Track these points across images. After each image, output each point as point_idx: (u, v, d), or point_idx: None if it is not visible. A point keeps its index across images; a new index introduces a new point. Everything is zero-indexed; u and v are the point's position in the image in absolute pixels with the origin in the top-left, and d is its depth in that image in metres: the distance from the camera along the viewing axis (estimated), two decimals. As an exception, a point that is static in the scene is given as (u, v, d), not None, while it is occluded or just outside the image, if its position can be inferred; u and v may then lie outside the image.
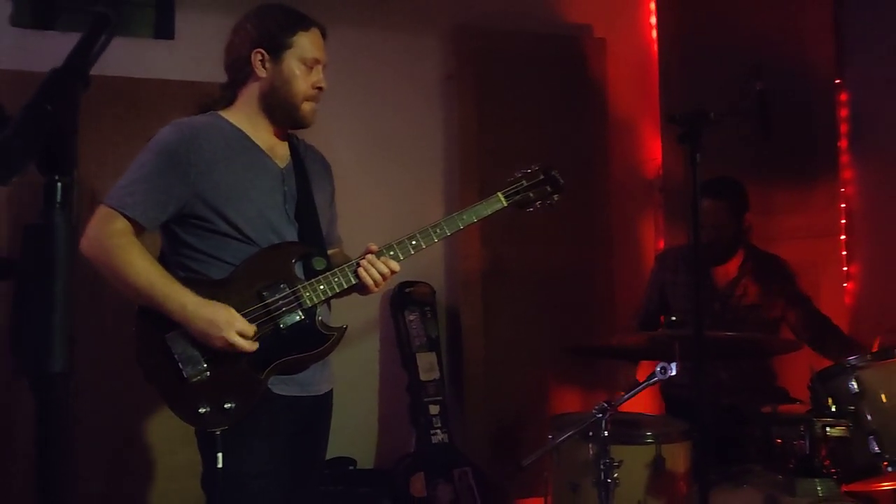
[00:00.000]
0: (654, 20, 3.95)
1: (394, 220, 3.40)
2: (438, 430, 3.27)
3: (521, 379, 3.54)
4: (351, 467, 3.25)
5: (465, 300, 3.59)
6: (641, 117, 3.97)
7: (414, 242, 2.04)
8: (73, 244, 0.80)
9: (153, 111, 3.16)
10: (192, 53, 3.29)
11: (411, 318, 3.41)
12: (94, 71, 3.24)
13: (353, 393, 3.27)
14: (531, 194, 2.17)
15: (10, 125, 0.78)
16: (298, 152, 2.11)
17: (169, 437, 3.04)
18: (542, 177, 2.18)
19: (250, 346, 1.81)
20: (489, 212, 2.12)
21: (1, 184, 0.76)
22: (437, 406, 3.31)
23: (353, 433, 3.36)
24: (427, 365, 3.37)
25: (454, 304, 3.63)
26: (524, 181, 2.17)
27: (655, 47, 3.94)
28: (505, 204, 2.13)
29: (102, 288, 3.04)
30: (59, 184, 0.79)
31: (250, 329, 1.82)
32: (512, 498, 3.38)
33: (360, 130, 3.50)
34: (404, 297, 3.40)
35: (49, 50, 3.25)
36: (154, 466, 3.05)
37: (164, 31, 3.54)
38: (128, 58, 3.31)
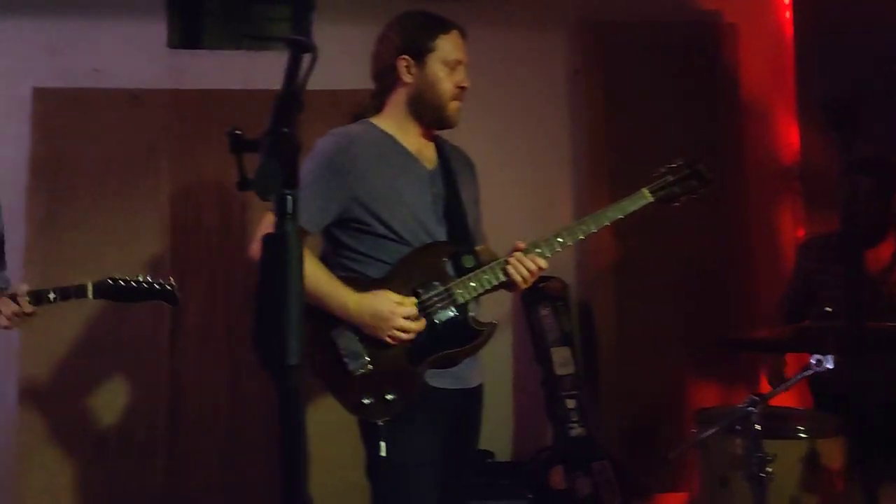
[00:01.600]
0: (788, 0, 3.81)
1: (522, 217, 3.46)
2: (576, 424, 3.29)
3: (658, 373, 3.51)
4: (489, 460, 3.33)
5: (597, 294, 3.60)
6: (776, 103, 3.84)
7: (560, 239, 2.09)
8: (301, 250, 0.89)
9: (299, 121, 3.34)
10: (329, 63, 3.44)
11: (544, 312, 3.45)
12: (240, 86, 3.46)
13: (488, 387, 3.32)
14: (676, 189, 2.17)
15: (263, 149, 0.88)
16: (445, 153, 2.19)
17: (323, 430, 3.19)
18: (687, 171, 2.18)
19: (420, 324, 1.91)
20: (635, 207, 2.14)
21: (263, 199, 0.86)
22: (574, 400, 3.33)
23: (490, 427, 3.39)
24: (562, 359, 3.40)
25: (587, 298, 3.64)
26: (669, 176, 2.17)
27: (790, 29, 3.79)
28: (651, 199, 2.14)
29: (248, 289, 3.27)
30: (289, 197, 0.88)
31: (413, 308, 1.92)
32: (652, 492, 3.36)
33: (487, 128, 3.56)
34: (537, 292, 3.43)
35: (199, 68, 3.52)
36: (313, 461, 3.21)
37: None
38: (270, 72, 3.51)
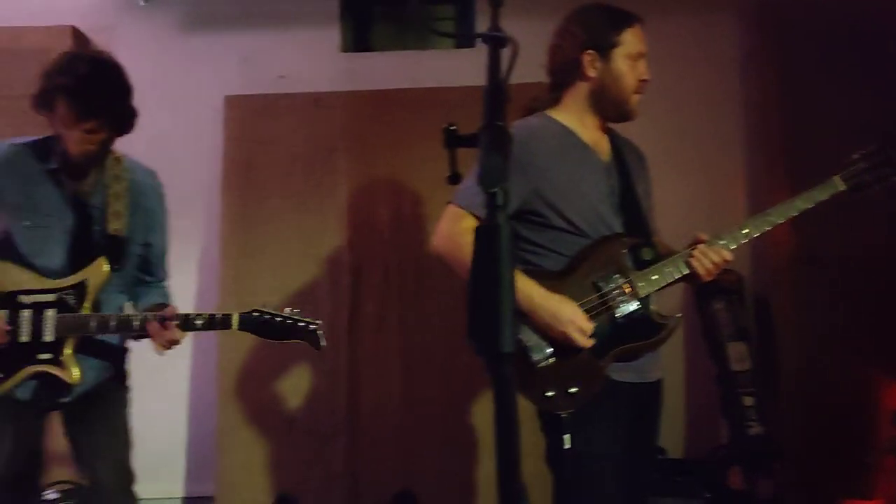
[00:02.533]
0: None
1: (692, 209, 3.36)
2: (754, 423, 3.16)
3: (844, 370, 3.28)
4: (661, 456, 3.26)
5: (775, 288, 3.42)
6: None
7: (746, 231, 2.02)
8: (512, 241, 0.92)
9: (463, 116, 3.42)
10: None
11: (719, 306, 3.33)
12: (409, 85, 3.59)
13: (658, 382, 3.29)
14: (869, 176, 2.04)
15: (483, 144, 0.93)
16: (618, 145, 2.18)
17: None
18: (882, 157, 2.04)
19: (587, 342, 1.91)
20: (825, 196, 2.04)
21: (489, 192, 0.90)
22: (752, 398, 3.20)
23: (662, 423, 3.36)
24: (738, 355, 3.27)
25: (764, 291, 3.48)
26: (862, 162, 2.05)
27: None
28: (843, 188, 2.03)
29: (427, 279, 3.39)
30: (500, 190, 0.92)
31: (589, 327, 1.92)
32: (839, 497, 3.16)
33: (655, 117, 3.46)
34: (711, 285, 3.28)
35: (371, 69, 3.68)
36: (483, 447, 3.30)
37: (466, 41, 3.81)
38: (435, 69, 3.62)
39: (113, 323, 2.18)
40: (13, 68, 3.57)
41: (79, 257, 2.23)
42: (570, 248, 2.02)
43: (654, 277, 1.99)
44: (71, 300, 2.21)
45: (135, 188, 2.31)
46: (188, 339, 3.58)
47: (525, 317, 1.96)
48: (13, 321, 2.19)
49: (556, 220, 2.02)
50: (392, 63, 3.69)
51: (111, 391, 2.37)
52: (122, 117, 2.22)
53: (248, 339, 3.30)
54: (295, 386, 3.33)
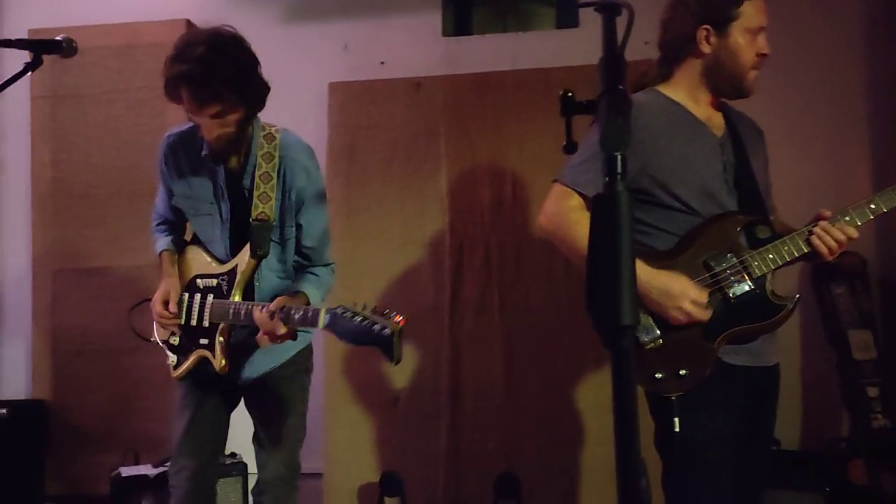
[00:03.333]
0: None
1: (813, 185, 3.18)
2: (879, 415, 2.98)
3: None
4: (775, 447, 3.11)
5: (903, 271, 3.21)
6: None
7: (873, 206, 1.89)
8: (633, 209, 0.89)
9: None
10: (596, 37, 3.42)
11: (839, 291, 3.15)
12: (509, 67, 3.55)
13: (772, 370, 3.14)
14: None
15: (605, 108, 0.90)
16: (732, 120, 2.08)
17: (597, 403, 3.23)
18: None
19: (704, 314, 1.84)
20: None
21: (611, 156, 0.88)
22: (876, 388, 3.01)
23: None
24: (861, 343, 3.08)
25: (890, 275, 3.26)
26: None
27: None
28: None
29: (528, 262, 3.36)
30: (619, 157, 0.89)
31: (703, 297, 1.85)
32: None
33: (773, 89, 3.30)
34: (830, 268, 3.14)
35: (471, 53, 3.67)
36: (583, 430, 3.25)
37: (568, 21, 3.73)
38: (536, 50, 3.58)
39: (242, 312, 2.14)
40: (131, 62, 3.77)
41: (236, 243, 2.24)
42: (680, 227, 1.95)
43: (770, 256, 1.89)
44: (224, 287, 2.23)
45: (286, 167, 2.22)
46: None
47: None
48: (189, 304, 2.28)
49: (666, 199, 1.95)
50: (493, 45, 3.67)
51: (288, 378, 2.34)
52: (249, 94, 2.13)
53: (353, 321, 3.40)
54: (399, 367, 3.36)
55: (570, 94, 1.04)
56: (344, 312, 1.93)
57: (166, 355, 2.37)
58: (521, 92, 3.45)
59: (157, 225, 2.52)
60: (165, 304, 2.29)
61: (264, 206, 2.19)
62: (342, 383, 3.39)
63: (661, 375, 1.86)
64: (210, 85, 2.03)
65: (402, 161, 3.50)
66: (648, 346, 1.89)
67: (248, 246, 2.19)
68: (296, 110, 3.74)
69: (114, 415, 3.63)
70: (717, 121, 2.05)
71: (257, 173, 2.20)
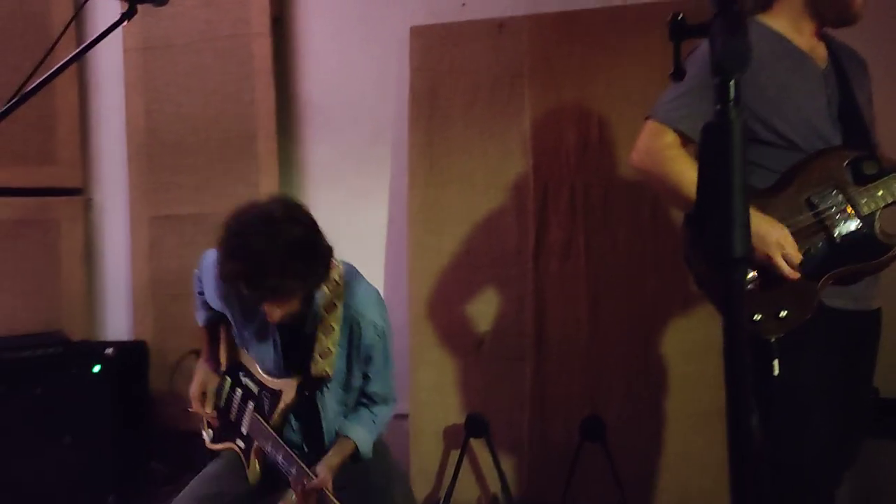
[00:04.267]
0: None
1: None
2: None
3: None
4: (873, 395, 3.00)
5: None
6: None
7: None
8: (746, 138, 0.85)
9: (656, 36, 3.24)
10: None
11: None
12: (597, 5, 3.41)
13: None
14: None
15: (721, 28, 0.86)
16: (835, 51, 1.97)
17: (684, 348, 3.18)
18: None
19: (792, 273, 1.77)
20: None
21: (728, 77, 0.84)
22: None
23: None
24: (971, 286, 2.91)
25: None
26: None
27: None
28: None
29: (614, 205, 3.29)
30: (732, 82, 0.85)
31: (797, 256, 1.78)
32: None
33: (880, 17, 3.09)
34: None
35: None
36: (668, 375, 3.22)
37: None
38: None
39: (279, 457, 2.06)
40: (218, 12, 3.82)
41: (289, 365, 2.14)
42: (780, 164, 1.87)
43: (879, 193, 1.81)
44: (266, 404, 2.15)
45: (354, 322, 2.11)
46: (379, 265, 3.81)
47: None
48: (230, 395, 2.26)
49: (765, 134, 1.87)
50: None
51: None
52: (311, 275, 1.99)
53: (437, 265, 3.43)
54: (483, 310, 3.39)
55: (681, 17, 1.00)
56: None
57: (202, 428, 2.34)
58: (608, 30, 3.34)
59: (199, 294, 2.40)
60: (202, 397, 2.27)
61: (324, 361, 2.07)
62: (427, 326, 3.44)
63: (759, 317, 1.81)
64: (267, 282, 1.90)
65: (484, 104, 3.45)
66: (746, 288, 1.84)
67: (296, 382, 2.10)
68: (378, 56, 3.76)
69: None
70: (820, 52, 1.95)
71: (320, 324, 2.08)
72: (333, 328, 2.06)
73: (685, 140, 1.92)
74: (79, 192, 4.08)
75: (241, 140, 3.86)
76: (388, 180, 3.79)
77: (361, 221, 3.82)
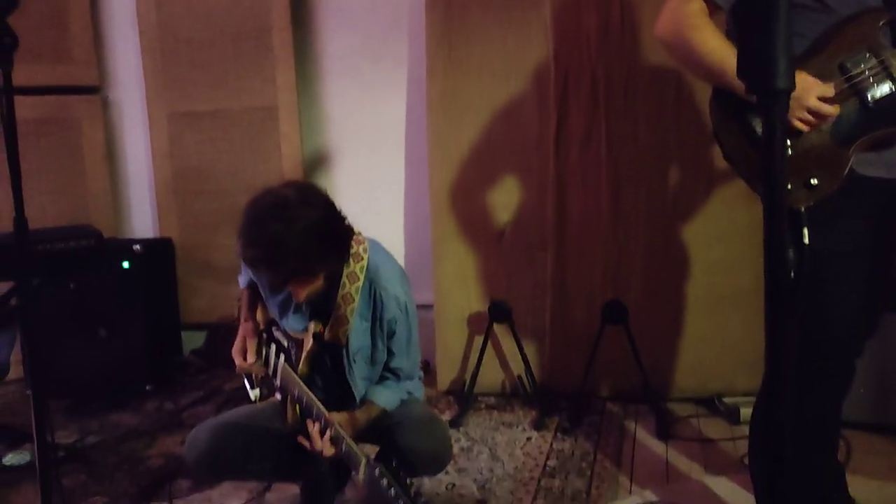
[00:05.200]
0: None
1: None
2: None
3: None
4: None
5: None
6: None
7: None
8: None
9: None
10: None
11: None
12: None
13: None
14: None
15: None
16: None
17: (706, 233, 3.19)
18: None
19: (832, 109, 1.74)
20: None
21: None
22: None
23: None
24: None
25: None
26: None
27: None
28: None
29: (635, 91, 3.23)
30: None
31: (829, 90, 1.74)
32: None
33: None
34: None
35: None
36: (690, 260, 3.24)
37: None
38: None
39: (304, 400, 2.11)
40: None
41: (312, 315, 2.20)
42: (812, 28, 1.81)
43: (915, 55, 1.75)
44: (293, 353, 2.21)
45: (377, 295, 2.14)
46: (399, 157, 3.81)
47: (754, 108, 1.81)
48: (266, 353, 2.30)
49: (797, -3, 1.81)
50: None
51: None
52: (332, 255, 2.04)
53: (457, 155, 3.42)
54: (504, 200, 3.40)
55: None
56: (381, 477, 1.81)
57: (248, 387, 2.40)
58: None
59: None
60: (243, 353, 2.30)
61: (339, 329, 2.13)
62: (448, 217, 3.46)
63: (789, 186, 1.80)
64: (286, 265, 1.94)
65: (503, -10, 3.36)
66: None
67: (312, 325, 2.16)
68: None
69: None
70: None
71: (340, 292, 2.12)
72: (354, 298, 2.11)
73: (712, 8, 1.87)
74: (96, 90, 4.06)
75: (256, 33, 3.80)
76: (405, 71, 3.75)
77: (379, 113, 3.80)
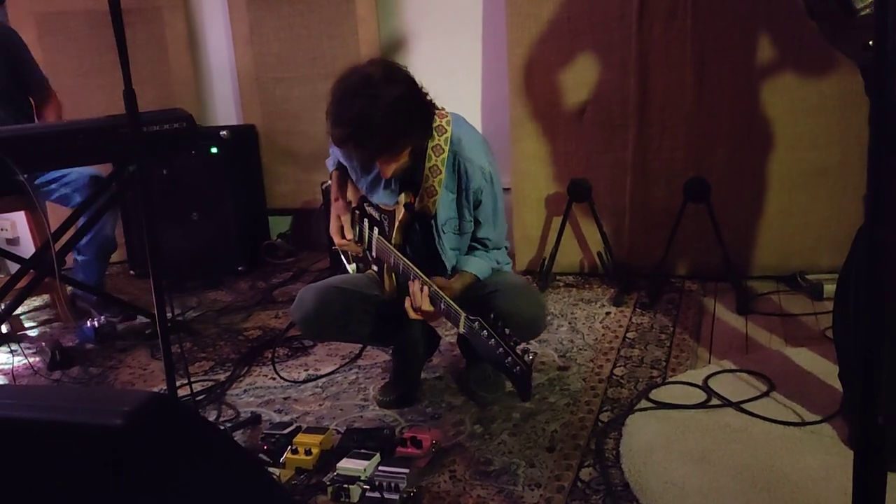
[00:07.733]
0: None
1: None
2: None
3: None
4: None
5: None
6: None
7: None
8: None
9: None
10: None
11: None
12: None
13: None
14: None
15: None
16: None
17: (793, 108, 3.09)
18: None
19: None
20: None
21: None
22: None
23: None
24: None
25: None
26: None
27: None
28: None
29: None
30: None
31: None
32: None
33: None
34: None
35: None
36: (775, 137, 3.16)
37: None
38: None
39: (400, 266, 2.18)
40: None
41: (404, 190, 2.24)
42: None
43: None
44: (386, 225, 2.27)
45: (461, 166, 2.16)
46: (477, 37, 3.76)
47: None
48: (360, 229, 2.36)
49: None
50: None
51: None
52: (416, 130, 2.08)
53: (536, 33, 3.36)
54: (584, 77, 3.35)
55: None
56: (482, 329, 1.86)
57: (346, 263, 2.50)
58: None
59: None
60: (341, 231, 2.36)
61: (428, 200, 2.17)
62: (526, 97, 3.43)
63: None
64: (372, 142, 2.01)
65: None
66: (863, 14, 1.74)
67: (403, 196, 2.21)
68: None
69: (322, 136, 3.93)
70: None
71: (427, 164, 2.15)
72: (440, 170, 2.16)
73: None
74: (176, -21, 4.11)
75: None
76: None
77: (457, -8, 3.74)
